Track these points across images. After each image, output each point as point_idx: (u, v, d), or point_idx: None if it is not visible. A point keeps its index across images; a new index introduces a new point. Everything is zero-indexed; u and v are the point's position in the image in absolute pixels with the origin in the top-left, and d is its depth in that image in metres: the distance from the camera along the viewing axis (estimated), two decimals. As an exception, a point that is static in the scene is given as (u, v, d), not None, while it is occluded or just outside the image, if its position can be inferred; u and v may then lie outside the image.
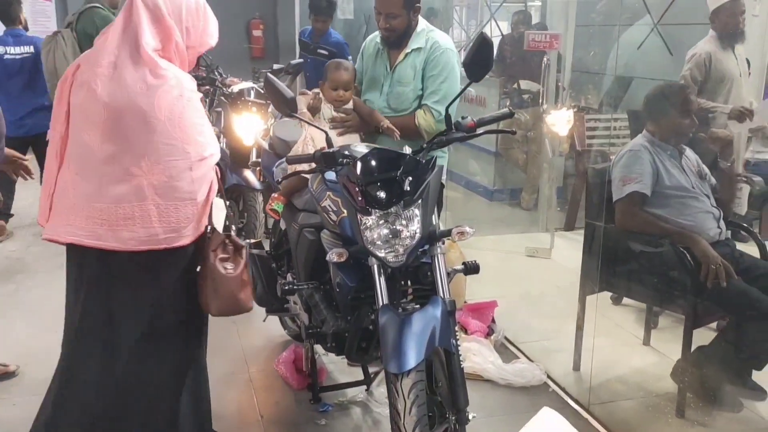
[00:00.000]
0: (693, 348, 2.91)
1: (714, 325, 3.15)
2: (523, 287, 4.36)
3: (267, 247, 3.31)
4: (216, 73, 4.50)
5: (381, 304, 2.19)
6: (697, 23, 6.21)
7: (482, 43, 2.22)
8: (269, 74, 2.39)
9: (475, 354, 3.20)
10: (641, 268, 3.00)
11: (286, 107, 2.34)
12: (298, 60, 4.83)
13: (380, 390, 3.01)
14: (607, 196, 2.97)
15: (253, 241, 3.31)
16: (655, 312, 3.58)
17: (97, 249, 2.02)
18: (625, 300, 3.83)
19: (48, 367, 3.23)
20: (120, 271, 2.09)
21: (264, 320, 3.01)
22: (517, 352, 3.45)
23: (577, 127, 5.16)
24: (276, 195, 2.94)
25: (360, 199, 2.20)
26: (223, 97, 4.43)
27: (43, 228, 2.20)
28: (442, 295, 2.22)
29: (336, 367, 3.26)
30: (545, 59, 5.15)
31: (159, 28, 2.02)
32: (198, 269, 2.16)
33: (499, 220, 5.98)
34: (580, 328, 3.26)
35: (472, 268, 2.41)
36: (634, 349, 3.50)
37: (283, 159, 2.69)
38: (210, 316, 2.25)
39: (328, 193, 2.43)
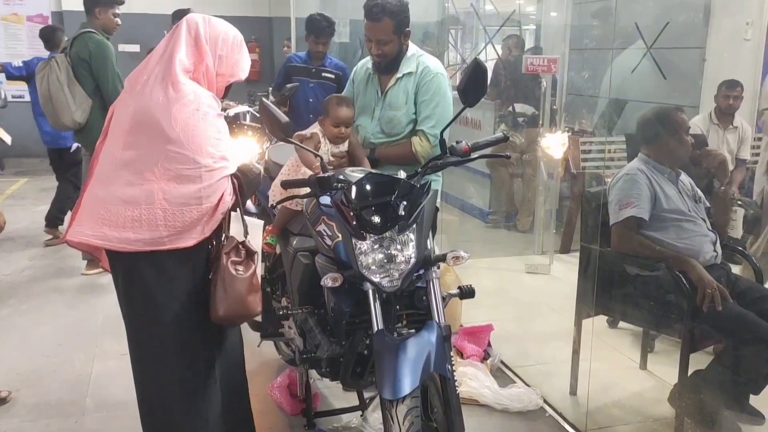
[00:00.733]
0: (690, 372, 2.89)
1: (710, 349, 3.13)
2: (518, 310, 4.35)
3: (261, 271, 3.29)
4: None
5: (376, 329, 2.18)
6: (689, 47, 6.30)
7: (476, 68, 2.23)
8: (264, 99, 2.39)
9: (471, 378, 3.18)
10: (637, 292, 2.99)
11: (281, 132, 2.34)
12: (293, 84, 4.81)
13: (375, 415, 2.98)
14: (603, 220, 2.97)
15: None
16: (652, 336, 3.57)
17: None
18: (621, 323, 3.82)
19: (40, 392, 3.23)
20: (125, 274, 2.20)
21: (258, 345, 2.99)
22: (513, 377, 3.43)
23: (572, 150, 5.18)
24: (269, 227, 2.93)
25: (354, 223, 2.20)
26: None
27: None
28: (437, 319, 2.21)
29: (330, 392, 3.23)
30: (543, 83, 5.18)
31: (194, 50, 2.19)
32: (210, 276, 2.20)
33: (494, 242, 5.98)
34: (576, 352, 3.24)
35: (467, 293, 2.39)
36: (631, 373, 3.48)
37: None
38: None
39: (322, 217, 2.42)
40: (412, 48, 2.97)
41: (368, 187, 2.22)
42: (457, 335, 3.58)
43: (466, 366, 3.28)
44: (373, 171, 2.46)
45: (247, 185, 2.29)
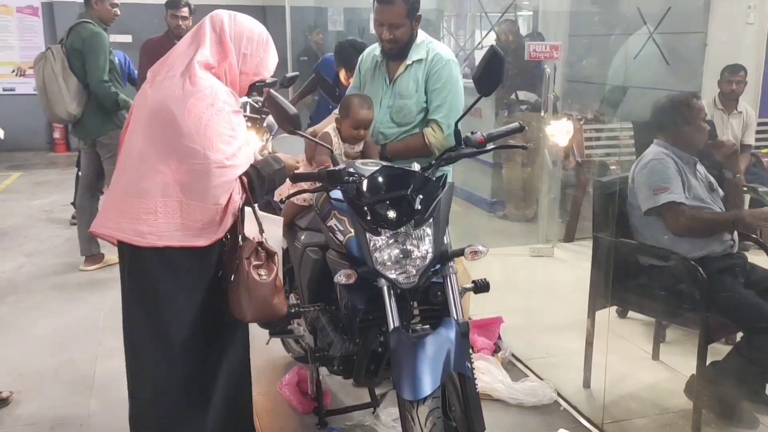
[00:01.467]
0: (707, 363, 2.85)
1: (729, 339, 3.09)
2: (526, 300, 4.30)
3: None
4: None
5: (392, 326, 2.12)
6: (690, 32, 6.24)
7: (493, 56, 2.15)
8: (272, 91, 2.32)
9: (484, 373, 3.12)
10: (652, 283, 2.94)
11: (289, 124, 2.27)
12: (293, 74, 4.72)
13: (387, 411, 2.93)
14: (618, 210, 2.91)
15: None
16: (663, 325, 3.52)
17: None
18: (631, 313, 3.77)
19: (43, 394, 3.16)
20: (135, 270, 2.17)
21: (267, 342, 2.92)
22: (525, 370, 3.37)
23: (576, 138, 5.11)
24: None
25: (369, 218, 2.13)
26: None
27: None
28: (455, 316, 2.15)
29: (341, 388, 3.17)
30: (547, 70, 5.10)
31: (218, 47, 2.17)
32: (232, 278, 2.17)
33: (498, 232, 5.92)
34: (590, 343, 3.19)
35: (482, 287, 2.34)
36: (644, 365, 3.44)
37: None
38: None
39: (333, 212, 2.35)
40: (422, 35, 2.88)
41: (382, 180, 2.15)
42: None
43: (478, 360, 3.22)
44: (385, 163, 2.39)
45: (269, 181, 2.23)
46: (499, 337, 3.57)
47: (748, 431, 2.85)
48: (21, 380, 3.28)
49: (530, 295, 4.42)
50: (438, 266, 2.18)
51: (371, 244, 2.13)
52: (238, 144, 2.14)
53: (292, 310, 2.41)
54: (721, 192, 3.10)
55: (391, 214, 2.09)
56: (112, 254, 3.68)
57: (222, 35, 2.17)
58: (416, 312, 2.30)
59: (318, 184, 2.37)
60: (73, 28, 4.56)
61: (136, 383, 2.24)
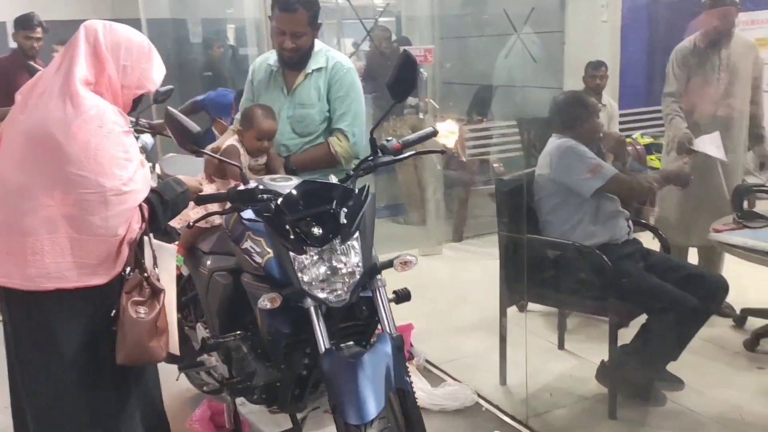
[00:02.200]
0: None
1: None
2: (430, 304, 4.29)
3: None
4: None
5: (323, 348, 2.01)
6: (549, 31, 6.54)
7: (405, 61, 2.10)
8: (170, 108, 2.14)
9: (403, 382, 3.06)
10: (563, 276, 3.01)
11: (192, 143, 2.11)
12: (168, 87, 4.45)
13: (311, 436, 2.81)
14: (527, 206, 2.96)
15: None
16: (564, 315, 3.62)
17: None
18: (530, 306, 3.86)
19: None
20: (26, 315, 1.94)
21: (177, 379, 2.71)
22: (441, 375, 3.35)
23: (460, 138, 5.21)
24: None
25: (292, 237, 2.01)
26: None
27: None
28: (388, 330, 2.08)
29: (256, 417, 3.01)
30: (424, 73, 5.15)
31: (94, 59, 1.97)
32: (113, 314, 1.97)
33: (392, 237, 5.90)
34: (503, 340, 3.22)
35: (403, 297, 2.28)
36: (553, 355, 3.52)
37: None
38: None
39: (247, 233, 2.20)
40: (318, 43, 2.79)
41: (303, 195, 2.04)
42: (377, 339, 3.46)
43: (395, 370, 3.16)
44: (294, 178, 2.28)
45: (172, 206, 2.07)
46: (411, 345, 3.53)
47: (658, 408, 2.97)
48: None
49: (432, 298, 4.42)
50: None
51: (296, 263, 2.01)
52: (133, 167, 1.95)
53: (211, 342, 2.24)
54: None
55: (316, 230, 1.99)
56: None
57: (97, 46, 1.97)
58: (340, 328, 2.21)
59: (227, 206, 2.22)
60: None
61: None
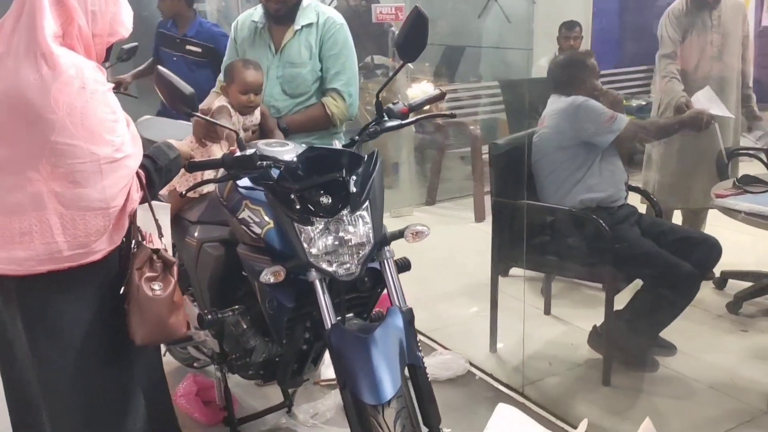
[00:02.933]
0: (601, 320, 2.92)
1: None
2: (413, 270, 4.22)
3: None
4: None
5: (329, 323, 1.91)
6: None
7: (417, 18, 1.96)
8: (160, 67, 1.97)
9: (394, 353, 2.99)
10: (557, 242, 2.96)
11: (186, 106, 1.94)
12: (132, 44, 4.17)
13: (303, 409, 2.74)
14: (528, 171, 2.88)
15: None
16: (549, 279, 3.58)
17: None
18: (512, 271, 3.81)
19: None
20: (20, 300, 1.76)
21: (164, 354, 2.58)
22: (431, 343, 3.29)
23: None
24: None
25: (298, 207, 1.89)
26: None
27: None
28: (398, 303, 1.99)
29: (243, 391, 2.90)
30: (394, 31, 5.00)
31: (59, 9, 1.71)
32: (121, 291, 1.82)
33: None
34: (494, 307, 3.17)
35: (403, 266, 2.20)
36: (540, 321, 3.48)
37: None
38: None
39: (245, 202, 2.07)
40: None
41: (309, 162, 1.91)
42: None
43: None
44: (294, 143, 2.14)
45: (166, 173, 1.91)
46: (398, 312, 3.45)
47: (651, 374, 2.97)
48: None
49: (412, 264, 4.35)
50: (373, 251, 1.99)
51: (302, 235, 1.89)
52: (122, 129, 1.78)
53: (210, 317, 2.11)
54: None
55: (325, 200, 1.88)
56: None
57: None
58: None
59: (220, 173, 2.08)
60: None
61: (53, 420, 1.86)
